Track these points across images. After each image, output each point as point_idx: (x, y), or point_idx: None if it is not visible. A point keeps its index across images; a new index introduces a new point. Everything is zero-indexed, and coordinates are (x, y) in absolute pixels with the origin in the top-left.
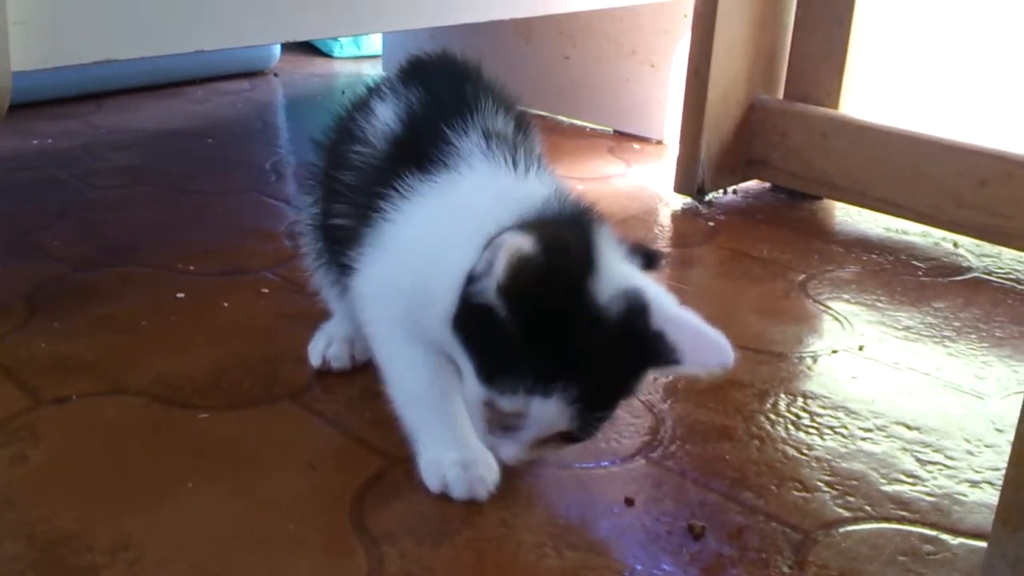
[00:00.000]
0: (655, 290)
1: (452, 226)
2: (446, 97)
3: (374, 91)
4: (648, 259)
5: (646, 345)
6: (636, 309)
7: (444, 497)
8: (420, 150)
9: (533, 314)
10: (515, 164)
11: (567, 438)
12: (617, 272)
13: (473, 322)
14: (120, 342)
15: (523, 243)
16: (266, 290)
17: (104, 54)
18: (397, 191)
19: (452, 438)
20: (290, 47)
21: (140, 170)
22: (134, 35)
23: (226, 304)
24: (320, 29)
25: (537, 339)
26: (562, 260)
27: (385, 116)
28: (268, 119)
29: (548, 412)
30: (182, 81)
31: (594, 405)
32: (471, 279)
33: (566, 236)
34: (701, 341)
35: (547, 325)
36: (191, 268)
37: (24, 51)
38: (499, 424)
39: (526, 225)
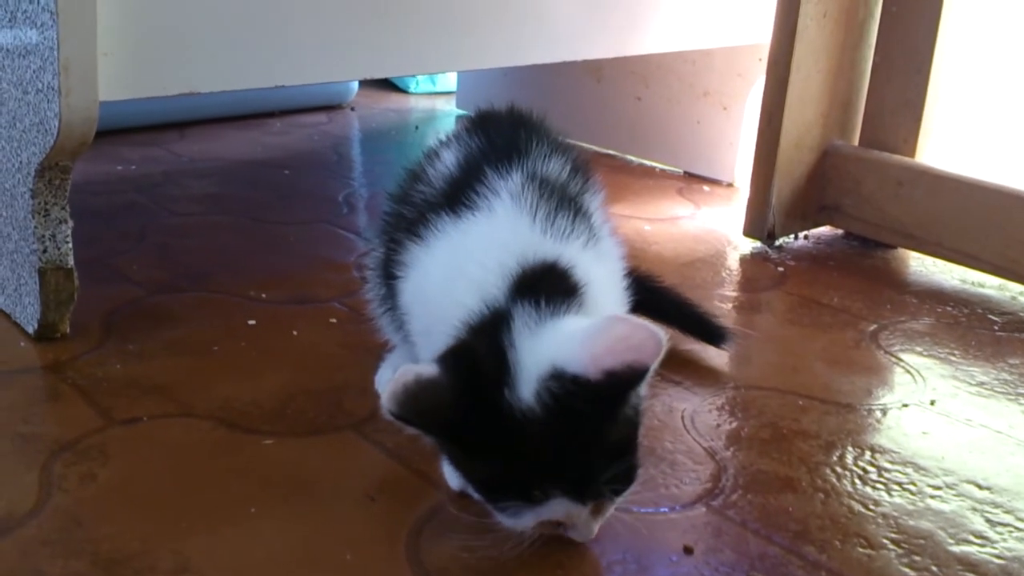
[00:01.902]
0: (568, 344)
1: (452, 269)
2: (499, 142)
3: (443, 141)
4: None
5: (610, 392)
6: (565, 387)
7: (500, 536)
8: (463, 189)
9: (453, 436)
10: (535, 213)
11: (616, 492)
12: (536, 359)
13: (459, 463)
14: (191, 366)
15: (405, 378)
16: (334, 320)
17: (187, 87)
18: (436, 221)
19: None
20: (367, 82)
21: (218, 198)
22: (217, 69)
23: (295, 332)
24: (396, 67)
25: (487, 460)
26: (462, 382)
27: (447, 160)
28: (343, 152)
29: (561, 512)
30: (262, 113)
31: (587, 481)
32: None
33: (482, 350)
34: (634, 343)
35: (484, 444)
36: (263, 296)
37: (111, 81)
38: (551, 526)
39: (468, 336)
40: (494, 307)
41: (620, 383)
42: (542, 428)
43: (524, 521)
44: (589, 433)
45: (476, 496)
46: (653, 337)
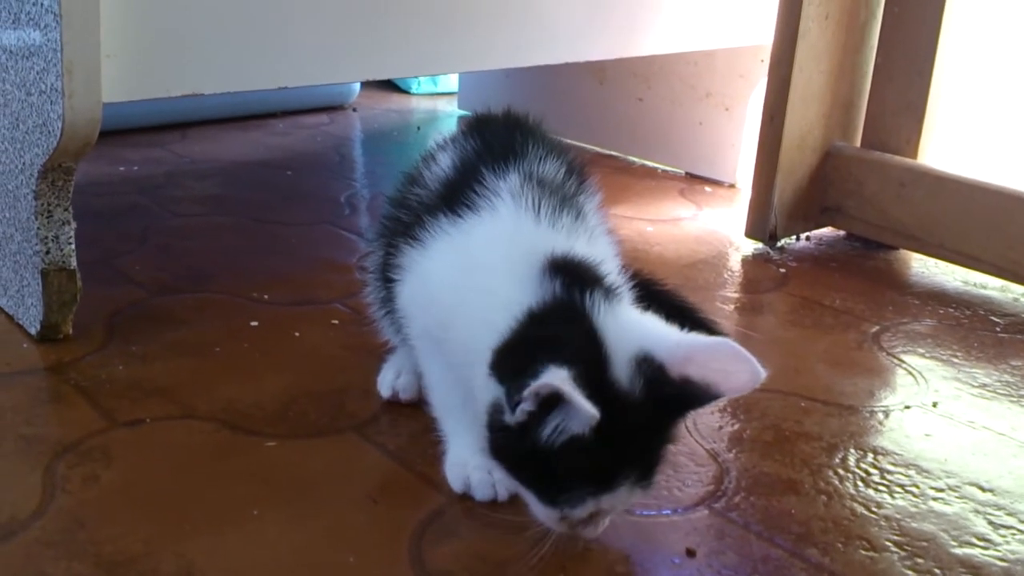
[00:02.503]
0: (656, 334)
1: (462, 273)
2: (495, 144)
3: (440, 145)
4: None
5: (677, 399)
6: (655, 374)
7: (502, 538)
8: (460, 190)
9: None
10: (538, 211)
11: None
12: (623, 345)
13: (517, 453)
14: (194, 367)
15: (564, 375)
16: (336, 321)
17: (190, 88)
18: (433, 224)
19: (479, 445)
20: (369, 83)
21: (220, 199)
22: (220, 70)
23: (297, 334)
24: (398, 68)
25: (584, 451)
26: (587, 366)
27: (443, 162)
28: (345, 153)
29: (619, 500)
30: (264, 114)
31: (651, 471)
32: (501, 409)
33: (575, 334)
34: (726, 365)
35: (595, 435)
36: (265, 297)
37: (114, 83)
38: (576, 524)
39: (530, 342)
40: (551, 298)
41: (687, 395)
42: (635, 411)
43: (581, 511)
44: (666, 422)
45: (521, 491)
46: (751, 377)
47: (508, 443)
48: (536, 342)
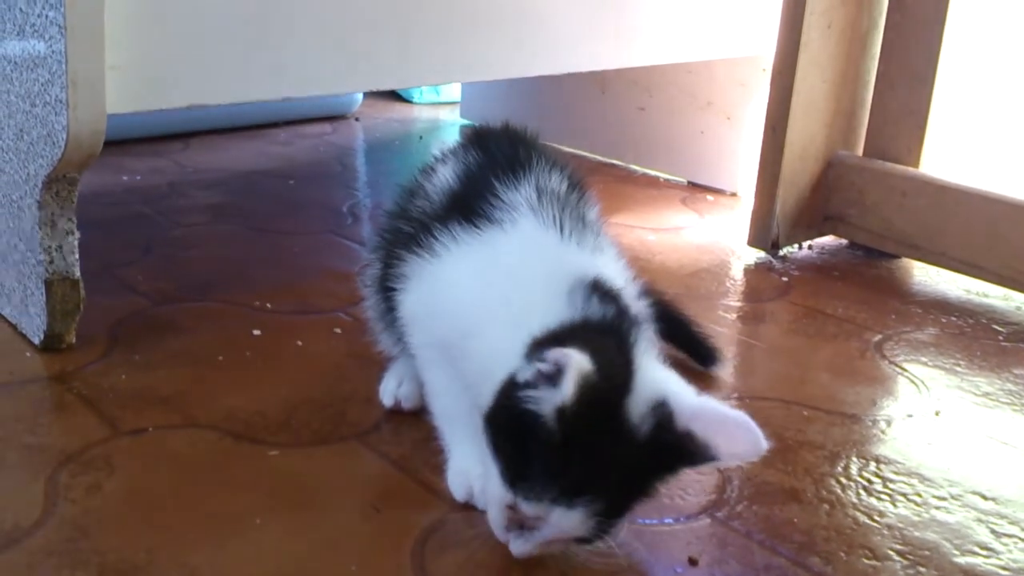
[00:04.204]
0: (677, 388)
1: (487, 286)
2: (501, 156)
3: (439, 158)
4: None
5: (675, 451)
6: (664, 420)
7: (504, 547)
8: (471, 202)
9: (574, 431)
10: (562, 227)
11: (580, 540)
12: (649, 384)
13: (511, 426)
14: (196, 376)
15: (586, 364)
16: (338, 330)
17: (194, 99)
18: (444, 234)
19: (481, 454)
20: (372, 93)
21: (223, 208)
22: (223, 81)
23: (299, 342)
24: (401, 79)
25: (571, 454)
26: (611, 382)
27: (445, 174)
28: (347, 162)
29: (569, 522)
30: (267, 123)
31: (614, 514)
32: (517, 384)
33: (612, 353)
34: (730, 430)
35: (584, 442)
36: (267, 306)
37: (118, 94)
38: (516, 523)
39: (575, 336)
40: (591, 317)
41: (685, 450)
42: (631, 446)
43: (531, 508)
44: (654, 471)
45: (488, 467)
46: (752, 448)
47: (505, 409)
48: (581, 338)
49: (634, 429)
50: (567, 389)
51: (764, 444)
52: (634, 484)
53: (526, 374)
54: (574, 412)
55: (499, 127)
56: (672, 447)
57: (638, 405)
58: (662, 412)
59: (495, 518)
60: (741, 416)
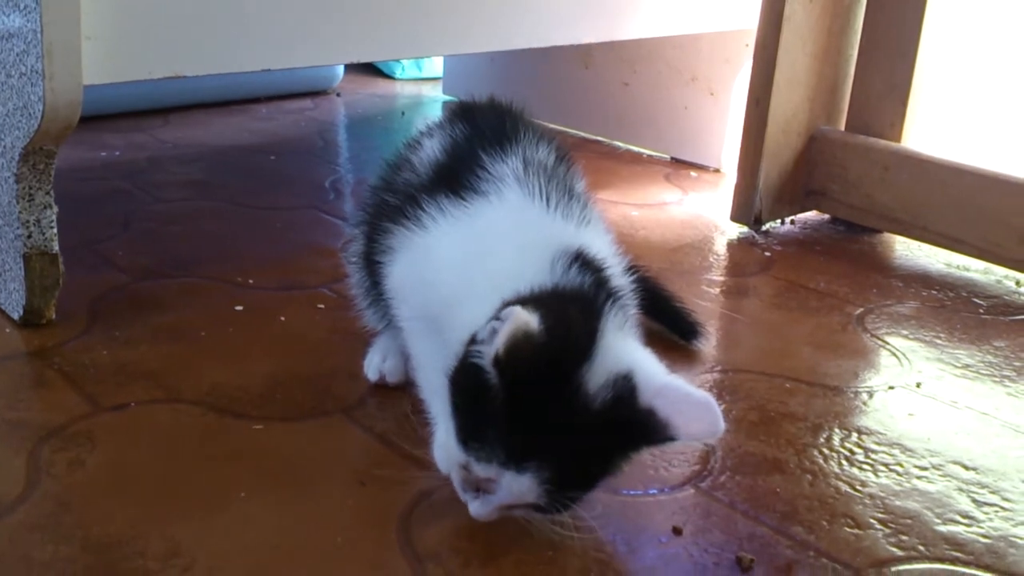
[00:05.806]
0: (645, 364)
1: (473, 256)
2: (487, 129)
3: (424, 132)
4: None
5: (635, 427)
6: (625, 394)
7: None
8: (458, 174)
9: (521, 392)
10: (548, 199)
11: (538, 508)
12: (613, 356)
13: (465, 381)
14: (178, 352)
15: (530, 320)
16: (322, 305)
17: (172, 70)
18: (432, 206)
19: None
20: (353, 68)
21: (203, 184)
22: (203, 52)
23: (283, 318)
24: (382, 51)
25: (519, 416)
26: (561, 345)
27: (431, 147)
28: (329, 138)
29: (519, 487)
30: (247, 98)
31: (567, 486)
32: (473, 340)
33: (573, 318)
34: (691, 410)
35: (532, 405)
36: (250, 281)
37: (95, 65)
38: (473, 484)
39: (539, 299)
40: (565, 286)
41: (645, 427)
42: (584, 416)
43: (482, 470)
44: (612, 446)
45: (443, 426)
46: (710, 428)
47: (462, 367)
48: (542, 302)
49: (588, 398)
50: (499, 340)
51: (722, 425)
52: (591, 457)
53: (484, 333)
54: (513, 368)
55: (486, 101)
56: (631, 422)
57: (597, 375)
58: (624, 386)
59: (454, 478)
60: (705, 397)
